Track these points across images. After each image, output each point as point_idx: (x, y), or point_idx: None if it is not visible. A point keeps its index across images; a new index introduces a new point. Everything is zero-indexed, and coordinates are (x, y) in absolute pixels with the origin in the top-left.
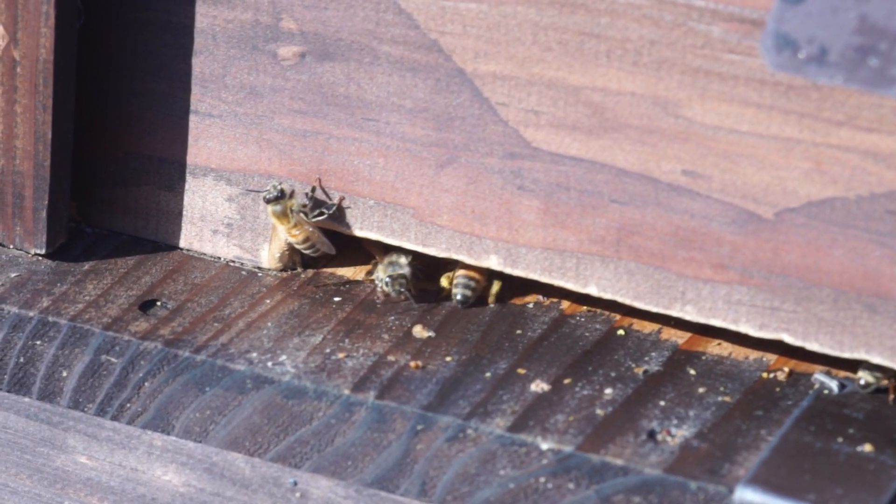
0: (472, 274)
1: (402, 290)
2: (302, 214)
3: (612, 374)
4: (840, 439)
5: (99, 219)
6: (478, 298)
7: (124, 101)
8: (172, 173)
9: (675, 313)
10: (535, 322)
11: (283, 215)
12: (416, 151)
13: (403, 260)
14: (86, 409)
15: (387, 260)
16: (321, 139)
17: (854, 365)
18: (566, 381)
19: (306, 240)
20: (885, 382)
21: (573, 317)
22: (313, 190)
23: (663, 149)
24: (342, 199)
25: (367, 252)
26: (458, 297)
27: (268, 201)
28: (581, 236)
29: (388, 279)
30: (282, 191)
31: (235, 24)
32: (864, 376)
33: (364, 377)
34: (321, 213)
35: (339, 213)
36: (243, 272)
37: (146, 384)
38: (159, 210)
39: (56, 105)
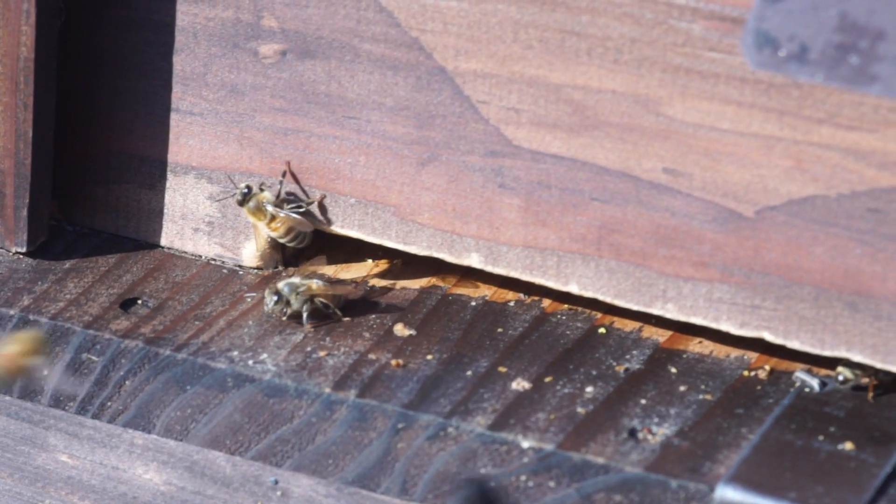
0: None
1: (275, 310)
2: (275, 207)
3: (594, 373)
4: (821, 437)
5: (80, 217)
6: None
7: (106, 100)
8: (154, 171)
9: (656, 311)
10: (517, 320)
11: (258, 210)
12: (396, 149)
13: (303, 287)
14: (66, 408)
15: (291, 279)
16: (302, 137)
17: (835, 363)
18: (547, 379)
19: (289, 231)
20: (864, 380)
21: (554, 315)
22: (283, 174)
23: (644, 147)
24: (323, 196)
25: (348, 251)
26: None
27: (240, 203)
28: (562, 234)
29: (272, 294)
30: (248, 188)
31: (217, 21)
32: (843, 372)
33: (345, 375)
34: (298, 207)
35: (318, 211)
36: (224, 270)
37: (127, 382)
38: (140, 208)
39: (37, 103)
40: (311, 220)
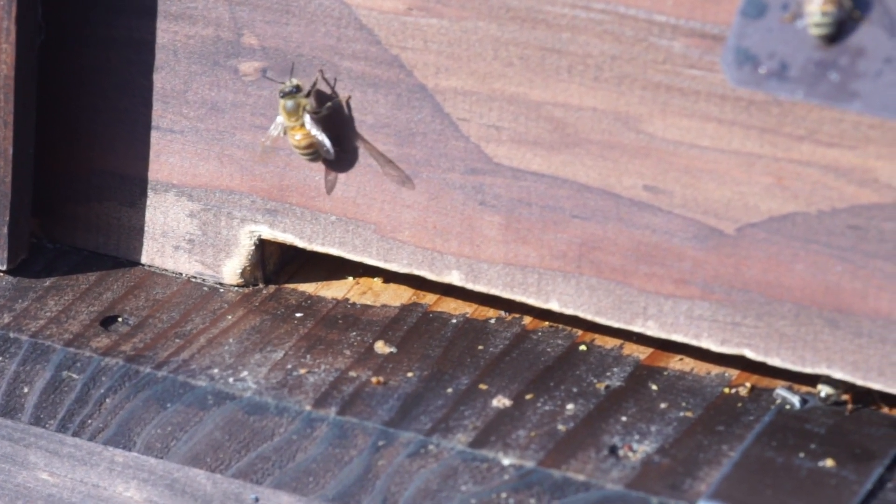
0: None
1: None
2: (312, 119)
3: (574, 390)
4: (801, 454)
5: (60, 235)
6: None
7: (86, 118)
8: (134, 189)
9: (636, 329)
10: (497, 337)
11: (294, 112)
12: (377, 167)
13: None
14: (47, 426)
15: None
16: (282, 155)
17: (816, 380)
18: (528, 396)
19: (309, 145)
20: (844, 396)
21: (535, 332)
22: (314, 84)
23: (625, 164)
24: (349, 97)
25: (329, 268)
26: None
27: (283, 94)
28: (542, 252)
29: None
30: (297, 87)
31: (197, 39)
32: (824, 388)
33: (325, 393)
34: (329, 108)
35: (345, 110)
36: (205, 288)
37: (107, 400)
38: (121, 226)
39: (17, 121)
40: (295, 238)
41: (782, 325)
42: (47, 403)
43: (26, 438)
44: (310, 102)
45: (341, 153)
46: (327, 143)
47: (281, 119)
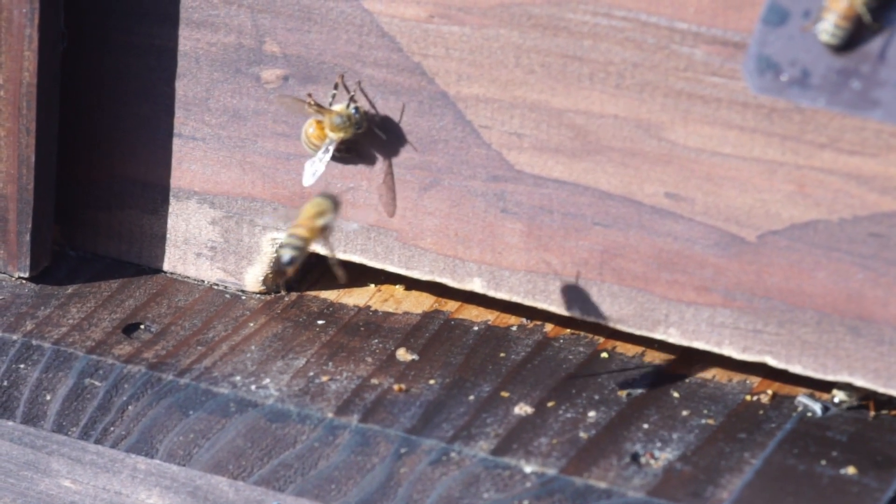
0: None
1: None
2: (341, 139)
3: (596, 397)
4: (823, 462)
5: (83, 242)
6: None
7: (108, 125)
8: (156, 196)
9: (658, 336)
10: (519, 345)
11: (337, 129)
12: (399, 174)
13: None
14: (69, 433)
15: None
16: (304, 163)
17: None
18: (550, 403)
19: (316, 146)
20: (864, 402)
21: (557, 339)
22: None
23: (646, 171)
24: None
25: (351, 275)
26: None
27: (356, 116)
28: (564, 259)
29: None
30: (362, 123)
31: (218, 47)
32: (838, 394)
33: (347, 400)
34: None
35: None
36: (227, 295)
37: (130, 407)
38: (143, 233)
39: (40, 129)
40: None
41: (804, 332)
42: (70, 411)
43: (49, 446)
44: (351, 134)
45: (359, 159)
46: (321, 167)
47: (324, 113)
